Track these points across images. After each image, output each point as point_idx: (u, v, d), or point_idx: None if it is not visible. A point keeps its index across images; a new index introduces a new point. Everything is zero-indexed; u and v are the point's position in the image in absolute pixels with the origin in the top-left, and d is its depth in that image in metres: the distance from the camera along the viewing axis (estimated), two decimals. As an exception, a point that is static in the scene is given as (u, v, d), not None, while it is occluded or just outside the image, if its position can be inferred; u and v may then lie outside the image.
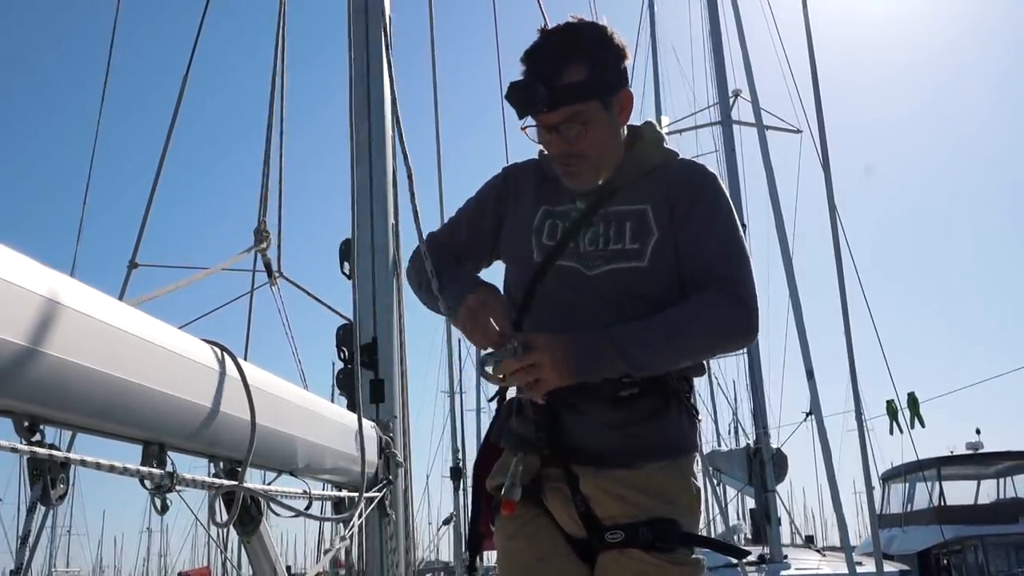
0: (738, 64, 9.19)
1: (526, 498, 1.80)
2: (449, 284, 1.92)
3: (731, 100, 11.93)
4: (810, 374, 7.21)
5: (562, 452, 1.80)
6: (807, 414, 8.62)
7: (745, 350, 10.66)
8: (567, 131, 1.80)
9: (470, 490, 2.17)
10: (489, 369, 1.71)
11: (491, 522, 1.92)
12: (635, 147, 1.92)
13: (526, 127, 1.84)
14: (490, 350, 1.74)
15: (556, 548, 1.82)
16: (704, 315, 1.77)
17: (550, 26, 1.84)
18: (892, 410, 10.13)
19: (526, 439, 1.83)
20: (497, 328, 1.75)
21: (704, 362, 1.92)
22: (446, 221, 2.14)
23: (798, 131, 11.53)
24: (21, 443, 1.32)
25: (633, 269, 1.81)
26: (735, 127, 11.73)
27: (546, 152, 1.91)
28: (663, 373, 1.79)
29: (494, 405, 2.00)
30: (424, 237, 2.08)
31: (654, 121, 1.98)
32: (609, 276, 1.82)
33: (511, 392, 1.94)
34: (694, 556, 1.77)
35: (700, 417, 1.90)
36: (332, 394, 3.15)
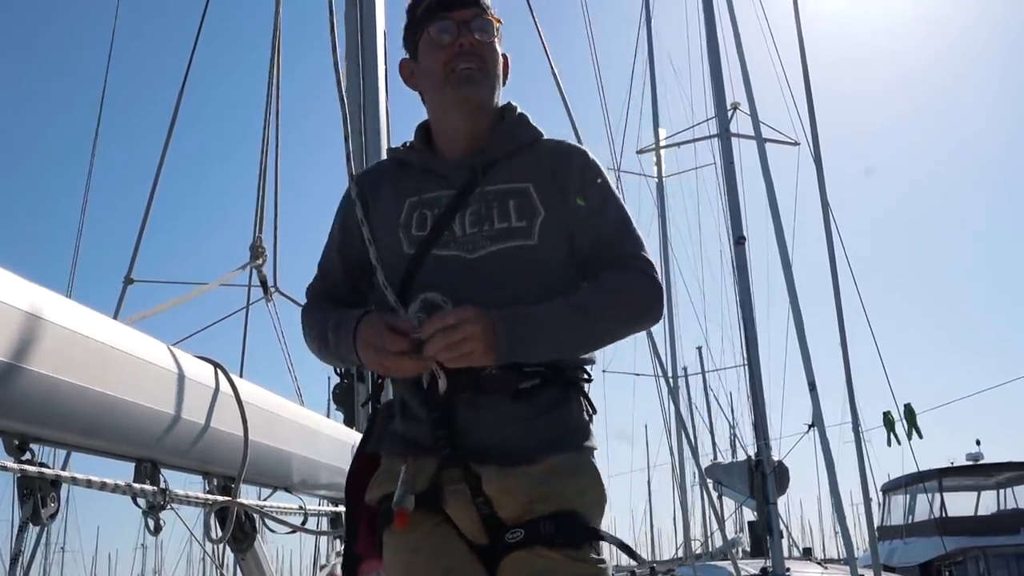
0: (736, 77, 9.24)
1: (425, 506, 1.66)
2: (340, 335, 1.73)
3: (729, 113, 11.95)
4: (812, 386, 7.21)
5: (461, 451, 1.66)
6: (809, 426, 8.58)
7: (746, 362, 10.64)
8: (479, 26, 1.77)
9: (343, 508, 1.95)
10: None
11: (370, 541, 1.75)
12: (504, 120, 1.86)
13: (433, 24, 1.77)
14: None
15: (462, 557, 1.68)
16: (625, 293, 1.72)
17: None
18: (889, 421, 10.10)
19: (417, 441, 1.70)
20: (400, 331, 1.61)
21: (594, 351, 1.81)
22: (316, 270, 1.95)
23: (796, 143, 11.52)
24: (11, 462, 1.31)
25: (522, 247, 1.72)
26: (734, 140, 11.75)
27: (445, 57, 1.79)
28: (563, 362, 1.72)
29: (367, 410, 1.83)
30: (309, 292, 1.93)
31: (517, 104, 1.92)
32: (495, 257, 1.72)
33: (388, 394, 1.83)
34: (598, 555, 1.67)
35: (595, 412, 1.83)
36: (328, 409, 3.14)
